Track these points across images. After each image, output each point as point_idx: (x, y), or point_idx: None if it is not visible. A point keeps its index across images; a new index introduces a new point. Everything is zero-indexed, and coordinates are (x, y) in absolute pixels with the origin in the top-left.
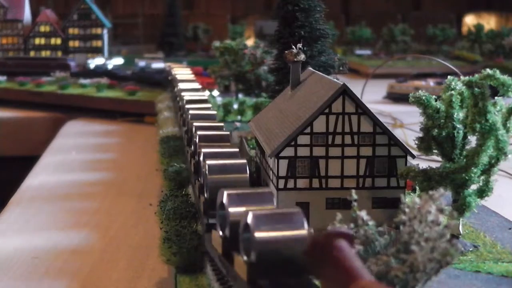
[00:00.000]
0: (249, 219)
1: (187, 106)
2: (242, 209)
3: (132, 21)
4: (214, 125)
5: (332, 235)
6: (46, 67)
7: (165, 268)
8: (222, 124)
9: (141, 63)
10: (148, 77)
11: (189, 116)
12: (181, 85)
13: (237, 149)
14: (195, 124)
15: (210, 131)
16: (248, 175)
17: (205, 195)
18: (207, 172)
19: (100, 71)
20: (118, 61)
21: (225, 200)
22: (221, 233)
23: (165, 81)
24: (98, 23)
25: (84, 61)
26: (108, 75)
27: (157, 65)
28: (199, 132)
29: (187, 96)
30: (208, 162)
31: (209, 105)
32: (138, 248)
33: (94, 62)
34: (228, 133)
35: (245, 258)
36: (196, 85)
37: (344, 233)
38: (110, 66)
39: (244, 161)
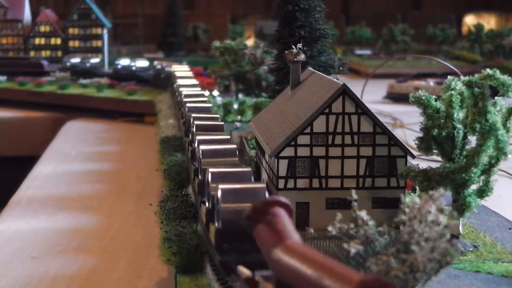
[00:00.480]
0: (218, 192)
1: (185, 99)
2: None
3: (132, 21)
4: (209, 116)
5: (270, 202)
6: (18, 66)
7: (165, 268)
8: (217, 116)
9: (123, 61)
10: (131, 74)
11: (187, 108)
12: (180, 81)
13: (228, 136)
14: (193, 115)
15: (205, 121)
16: (237, 159)
17: (199, 177)
18: (200, 156)
19: (79, 69)
20: (143, 63)
21: (209, 178)
22: (206, 205)
23: (151, 79)
24: (98, 23)
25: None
26: (88, 73)
27: (141, 63)
28: (196, 122)
29: (184, 91)
30: (202, 147)
31: (205, 99)
32: (138, 248)
33: (92, 61)
34: (222, 123)
35: (215, 225)
36: (194, 81)
37: (282, 202)
38: (88, 64)
39: (234, 146)
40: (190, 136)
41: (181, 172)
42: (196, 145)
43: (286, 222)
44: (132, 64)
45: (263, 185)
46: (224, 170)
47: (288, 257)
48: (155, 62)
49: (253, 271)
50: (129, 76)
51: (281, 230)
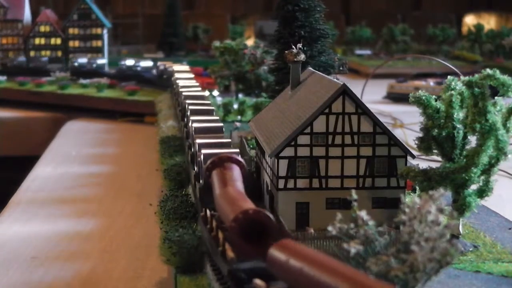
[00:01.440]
0: (201, 156)
1: (186, 101)
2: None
3: (132, 21)
4: (210, 118)
5: (225, 158)
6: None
7: (165, 268)
8: (217, 118)
9: (128, 62)
10: (136, 75)
11: (189, 111)
12: (180, 82)
13: (229, 140)
14: (192, 118)
15: (205, 123)
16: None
17: (200, 182)
18: (193, 133)
19: (86, 70)
20: (147, 63)
21: (197, 147)
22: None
23: (154, 79)
24: (98, 23)
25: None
26: (95, 73)
27: (146, 63)
28: (195, 125)
29: (185, 91)
30: (204, 151)
31: (206, 101)
32: (138, 248)
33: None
34: (221, 124)
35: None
36: (194, 82)
37: (235, 158)
38: (94, 65)
39: (236, 150)
40: (190, 139)
41: (181, 172)
42: (196, 149)
43: (234, 173)
44: (137, 64)
45: (236, 150)
46: (209, 141)
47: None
48: (158, 63)
49: (268, 283)
50: (134, 76)
51: (226, 177)
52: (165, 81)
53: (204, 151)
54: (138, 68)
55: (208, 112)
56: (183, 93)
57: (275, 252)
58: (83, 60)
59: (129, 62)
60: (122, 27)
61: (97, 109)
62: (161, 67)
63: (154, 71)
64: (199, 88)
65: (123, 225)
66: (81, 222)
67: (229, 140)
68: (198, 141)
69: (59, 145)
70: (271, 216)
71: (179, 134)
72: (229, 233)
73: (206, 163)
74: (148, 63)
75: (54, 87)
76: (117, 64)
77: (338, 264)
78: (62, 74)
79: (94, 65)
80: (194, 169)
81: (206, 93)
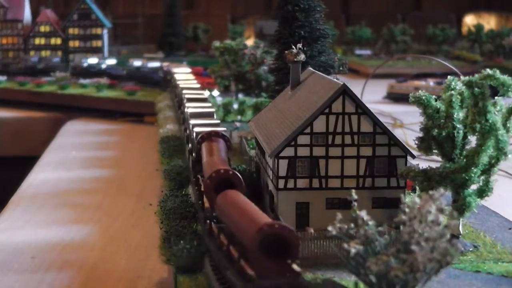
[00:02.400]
0: (191, 123)
1: (183, 91)
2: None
3: (132, 21)
4: (203, 105)
5: (212, 133)
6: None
7: (165, 268)
8: (209, 104)
9: (136, 63)
10: (145, 76)
11: (185, 100)
12: (177, 76)
13: (218, 121)
14: (192, 122)
15: (199, 108)
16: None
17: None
18: (188, 117)
19: (95, 70)
20: (155, 64)
21: (190, 127)
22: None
23: (162, 80)
24: (98, 23)
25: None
26: (103, 74)
27: (153, 64)
28: (189, 110)
29: (182, 84)
30: (195, 129)
31: (199, 90)
32: (138, 248)
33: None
34: (213, 110)
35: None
36: (191, 76)
37: (222, 134)
38: (103, 66)
39: (224, 129)
40: (185, 123)
41: (181, 172)
42: (190, 128)
43: (220, 146)
44: (144, 65)
45: (224, 129)
46: (201, 122)
47: (223, 203)
48: (163, 64)
49: None
50: (143, 77)
51: (213, 148)
52: (169, 82)
53: (196, 129)
54: (146, 69)
55: (203, 100)
56: (180, 85)
57: (218, 199)
58: (93, 60)
59: (137, 63)
60: (122, 27)
61: (97, 109)
62: (165, 68)
63: (160, 72)
64: (195, 81)
65: (123, 225)
66: (81, 222)
67: (218, 121)
68: (192, 121)
69: (59, 145)
70: (293, 230)
71: (178, 134)
72: (249, 246)
73: (198, 137)
74: (155, 64)
75: (54, 87)
76: (125, 64)
77: (249, 208)
78: (62, 74)
79: (104, 66)
80: (189, 145)
81: (206, 92)
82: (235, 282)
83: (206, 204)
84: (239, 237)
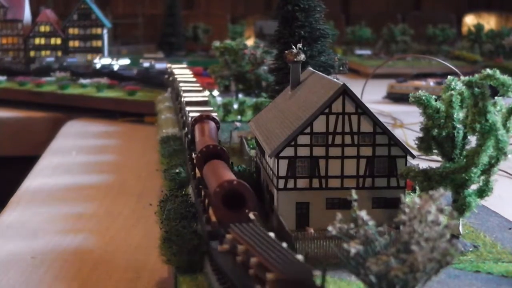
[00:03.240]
0: (187, 109)
1: (180, 84)
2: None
3: (132, 21)
4: (198, 95)
5: (205, 116)
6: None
7: (165, 268)
8: (204, 93)
9: (146, 64)
10: (155, 77)
11: (182, 91)
12: (176, 71)
13: (211, 108)
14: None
15: (194, 98)
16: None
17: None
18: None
19: (105, 71)
20: (162, 65)
21: (186, 113)
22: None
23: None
24: (98, 23)
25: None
26: (115, 75)
27: (161, 65)
28: (185, 99)
29: (179, 78)
30: (190, 114)
31: (195, 84)
32: (138, 248)
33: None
34: (206, 99)
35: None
36: (188, 71)
37: (212, 117)
38: (115, 67)
39: (215, 113)
40: (181, 110)
41: (181, 172)
42: (186, 114)
43: (211, 126)
44: (153, 66)
45: (216, 114)
46: (195, 109)
47: (206, 168)
48: (167, 65)
49: None
50: (153, 78)
51: (204, 128)
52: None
53: (191, 114)
54: (155, 70)
55: (198, 90)
56: (178, 78)
57: (204, 167)
58: (106, 60)
59: (145, 64)
60: (122, 27)
61: (97, 109)
62: (169, 70)
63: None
64: (191, 75)
65: (123, 225)
66: (81, 222)
67: (211, 108)
68: (187, 108)
69: (59, 145)
70: (250, 188)
71: (179, 134)
72: (213, 198)
73: (192, 119)
74: (162, 65)
75: (54, 87)
76: (136, 65)
77: (221, 170)
78: (62, 74)
79: (117, 67)
80: (185, 129)
81: (206, 92)
82: (204, 226)
83: (198, 174)
84: (209, 192)
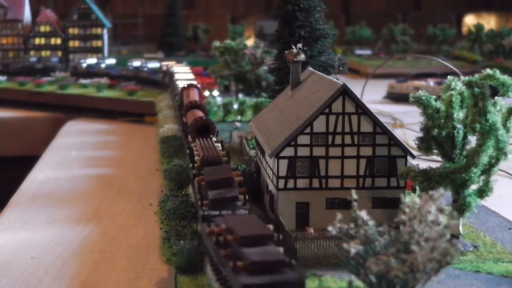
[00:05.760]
0: (178, 85)
1: (175, 74)
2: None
3: (132, 21)
4: (188, 77)
5: (189, 85)
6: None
7: (165, 268)
8: (193, 77)
9: (136, 63)
10: (142, 76)
11: (175, 78)
12: (175, 69)
13: (195, 82)
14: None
15: (185, 80)
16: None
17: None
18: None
19: (94, 71)
20: (154, 64)
21: (178, 88)
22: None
23: (161, 80)
24: (98, 23)
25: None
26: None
27: (152, 64)
28: (178, 82)
29: (176, 72)
30: (180, 85)
31: (189, 74)
32: (138, 248)
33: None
34: (194, 79)
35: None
36: (186, 69)
37: (195, 85)
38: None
39: (198, 86)
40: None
41: (181, 172)
42: (177, 89)
43: (194, 91)
44: (144, 65)
45: (198, 86)
46: (184, 85)
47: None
48: (161, 64)
49: None
50: (142, 78)
51: (190, 94)
52: (169, 81)
53: (180, 85)
54: (145, 69)
55: (190, 78)
56: (174, 73)
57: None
58: (92, 60)
59: (136, 63)
60: (122, 27)
61: (97, 109)
62: (165, 68)
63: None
64: (188, 70)
65: (123, 225)
66: (81, 222)
67: (195, 82)
68: (177, 82)
69: (59, 145)
70: (212, 121)
71: (178, 134)
72: (190, 127)
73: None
74: (155, 64)
75: (54, 87)
76: (124, 64)
77: (197, 114)
78: (62, 74)
79: (103, 66)
80: (176, 98)
81: (206, 92)
82: (191, 160)
83: (189, 138)
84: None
